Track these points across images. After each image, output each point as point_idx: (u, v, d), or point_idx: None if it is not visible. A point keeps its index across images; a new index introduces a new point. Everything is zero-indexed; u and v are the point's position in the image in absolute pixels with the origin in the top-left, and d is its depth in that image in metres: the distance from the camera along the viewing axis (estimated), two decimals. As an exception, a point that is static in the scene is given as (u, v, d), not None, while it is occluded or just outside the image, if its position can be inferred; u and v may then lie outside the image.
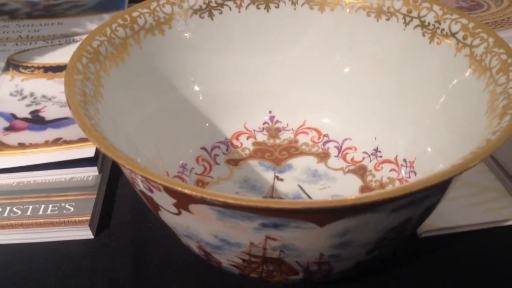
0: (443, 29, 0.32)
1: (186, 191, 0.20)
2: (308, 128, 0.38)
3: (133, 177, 0.24)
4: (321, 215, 0.21)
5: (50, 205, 0.34)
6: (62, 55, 0.48)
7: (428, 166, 0.31)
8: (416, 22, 0.33)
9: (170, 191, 0.22)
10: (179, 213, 0.23)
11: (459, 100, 0.30)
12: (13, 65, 0.47)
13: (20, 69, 0.46)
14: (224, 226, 0.22)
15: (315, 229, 0.21)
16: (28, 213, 0.33)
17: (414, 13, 0.33)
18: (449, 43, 0.31)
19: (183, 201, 0.22)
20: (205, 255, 0.26)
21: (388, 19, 0.34)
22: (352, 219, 0.21)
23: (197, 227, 0.24)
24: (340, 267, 0.25)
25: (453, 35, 0.31)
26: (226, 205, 0.20)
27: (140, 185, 0.24)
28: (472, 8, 0.50)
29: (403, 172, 0.34)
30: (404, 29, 0.34)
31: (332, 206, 0.19)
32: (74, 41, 0.51)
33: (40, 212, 0.33)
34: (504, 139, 0.22)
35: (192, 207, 0.22)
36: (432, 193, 0.22)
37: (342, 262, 0.25)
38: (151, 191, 0.23)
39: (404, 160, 0.34)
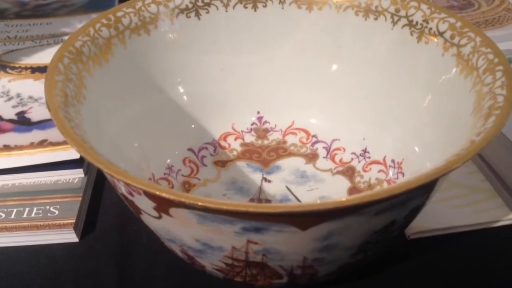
0: (430, 28, 0.31)
1: (164, 195, 0.20)
2: (297, 128, 0.38)
3: (114, 181, 0.24)
4: (302, 218, 0.20)
5: (35, 208, 0.33)
6: (50, 55, 0.47)
7: (416, 167, 0.31)
8: (404, 21, 0.33)
9: (150, 195, 0.21)
10: (159, 217, 0.23)
11: (446, 99, 0.29)
12: (0, 65, 0.46)
13: (8, 69, 0.46)
14: (205, 230, 0.22)
15: (297, 233, 0.21)
16: (12, 216, 0.33)
17: (402, 12, 0.33)
18: (437, 42, 0.31)
19: (163, 205, 0.22)
20: (188, 259, 0.26)
21: (376, 18, 0.34)
22: (334, 222, 0.21)
23: (178, 231, 0.23)
24: (325, 271, 0.25)
25: (441, 34, 0.31)
26: (206, 209, 0.20)
27: (122, 189, 0.24)
28: (463, 7, 0.50)
29: (391, 173, 0.33)
30: (392, 28, 0.33)
31: (312, 210, 0.19)
32: (63, 41, 0.50)
33: (25, 215, 0.33)
34: (488, 141, 0.21)
35: (172, 211, 0.22)
36: (416, 195, 0.22)
37: (326, 265, 0.24)
38: (131, 194, 0.23)
39: (392, 161, 0.34)
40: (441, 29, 0.31)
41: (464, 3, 0.51)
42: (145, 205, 0.23)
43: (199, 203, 0.19)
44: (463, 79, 0.28)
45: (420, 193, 0.22)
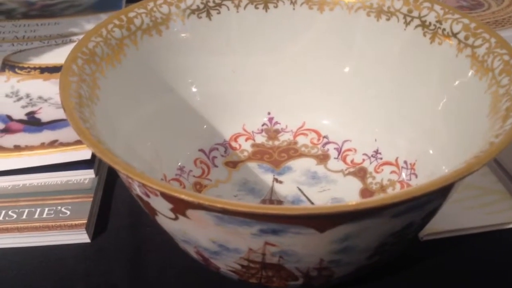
0: (444, 29, 0.31)
1: (183, 197, 0.19)
2: (308, 129, 0.38)
3: (129, 182, 0.24)
4: (321, 220, 0.20)
5: (46, 209, 0.33)
6: (58, 55, 0.48)
7: (430, 168, 0.31)
8: (416, 22, 0.32)
9: (167, 197, 0.21)
10: (176, 218, 0.23)
11: (461, 101, 0.29)
12: (9, 66, 0.46)
13: (16, 70, 0.46)
14: (222, 231, 0.22)
15: (315, 235, 0.21)
16: (24, 216, 0.33)
17: (415, 13, 0.33)
18: (451, 43, 0.31)
19: (180, 207, 0.21)
20: (203, 260, 0.26)
21: (388, 19, 0.34)
22: (352, 224, 0.21)
23: (194, 233, 0.23)
24: (341, 272, 0.25)
25: (455, 35, 0.30)
26: (225, 211, 0.20)
27: (137, 190, 0.24)
28: (473, 7, 0.50)
29: (403, 174, 0.33)
30: (405, 29, 0.33)
31: (332, 212, 0.19)
32: (71, 41, 0.50)
33: (36, 216, 0.33)
34: (507, 142, 0.21)
35: (189, 212, 0.21)
36: (435, 197, 0.22)
37: (343, 267, 0.24)
38: (147, 196, 0.23)
39: (405, 162, 0.34)
40: (455, 30, 0.31)
41: (474, 3, 0.50)
42: (162, 207, 0.23)
43: (218, 205, 0.19)
44: (478, 81, 0.28)
45: (439, 195, 0.22)
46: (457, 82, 0.30)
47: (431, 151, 0.31)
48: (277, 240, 0.21)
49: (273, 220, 0.20)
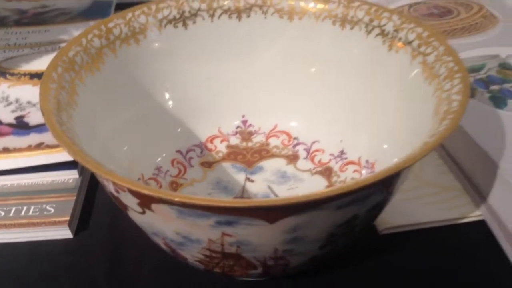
0: (400, 38, 0.33)
1: (145, 191, 0.22)
2: (279, 131, 0.40)
3: (102, 180, 0.26)
4: (269, 212, 0.22)
5: (32, 207, 0.36)
6: (47, 62, 0.49)
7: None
8: (377, 30, 0.35)
9: (133, 192, 0.23)
10: (143, 212, 0.25)
11: (413, 104, 0.32)
12: (0, 72, 0.48)
13: (7, 75, 0.48)
14: (184, 224, 0.24)
15: (266, 226, 0.23)
16: (11, 214, 0.35)
17: (375, 22, 0.35)
18: (406, 51, 0.33)
19: (146, 201, 0.24)
20: (171, 251, 0.28)
21: (352, 28, 0.36)
22: (299, 216, 0.23)
23: (161, 225, 0.26)
24: (296, 262, 0.27)
25: (409, 43, 0.33)
26: (182, 204, 0.22)
27: (110, 187, 0.26)
28: (442, 14, 0.52)
29: (364, 172, 0.36)
30: (367, 37, 0.35)
31: (277, 204, 0.21)
32: (60, 48, 0.52)
33: (22, 213, 0.35)
34: (439, 142, 0.24)
35: (154, 206, 0.24)
36: (374, 191, 0.24)
37: (297, 256, 0.27)
38: (118, 192, 0.25)
39: (367, 161, 0.36)
40: (410, 38, 0.33)
41: (444, 10, 0.53)
42: (130, 202, 0.25)
43: (176, 199, 0.21)
44: (427, 85, 0.31)
45: (377, 189, 0.24)
46: (410, 86, 0.32)
47: (388, 151, 0.34)
48: (233, 231, 0.24)
49: (225, 212, 0.22)
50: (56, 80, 0.29)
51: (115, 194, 0.26)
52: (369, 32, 0.35)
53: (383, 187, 0.25)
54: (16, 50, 0.52)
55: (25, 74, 0.48)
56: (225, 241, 0.25)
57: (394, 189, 0.26)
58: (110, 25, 0.35)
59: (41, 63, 0.50)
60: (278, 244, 0.25)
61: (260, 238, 0.24)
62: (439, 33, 0.32)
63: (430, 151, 0.23)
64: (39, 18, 0.59)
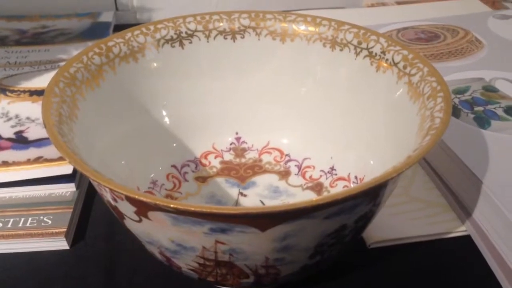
0: (387, 59, 0.35)
1: (142, 198, 0.23)
2: (272, 148, 0.41)
3: (100, 189, 0.27)
4: (260, 220, 0.24)
5: (30, 218, 0.37)
6: (47, 80, 0.50)
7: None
8: (365, 52, 0.37)
9: (130, 199, 0.25)
10: (140, 221, 0.26)
11: (398, 121, 0.33)
12: (0, 89, 0.50)
13: (7, 92, 0.49)
14: (179, 231, 0.25)
15: (257, 234, 0.24)
16: (9, 225, 0.36)
17: (364, 45, 0.37)
18: (392, 72, 0.35)
19: (142, 209, 0.25)
20: (166, 260, 0.29)
21: (341, 50, 0.38)
22: (289, 224, 0.24)
23: (156, 233, 0.27)
24: (287, 271, 0.28)
25: (395, 64, 0.35)
26: (177, 211, 0.23)
27: (107, 196, 0.27)
28: (429, 39, 0.54)
29: (353, 188, 0.37)
30: (355, 59, 0.37)
31: (266, 211, 0.22)
32: (59, 67, 0.54)
33: (20, 225, 0.36)
34: (421, 156, 0.25)
35: (150, 214, 0.25)
36: (360, 202, 0.25)
37: (287, 265, 0.28)
38: (115, 200, 0.26)
39: (356, 177, 0.37)
40: (396, 60, 0.35)
41: (431, 35, 0.55)
42: (127, 210, 0.26)
43: (171, 205, 0.23)
44: (412, 104, 0.32)
45: (364, 200, 0.26)
46: (397, 105, 0.34)
47: (375, 167, 0.35)
48: (226, 239, 0.25)
49: (219, 219, 0.23)
50: (58, 94, 0.30)
51: (113, 203, 0.27)
52: (357, 54, 0.37)
53: (369, 197, 0.26)
54: (17, 68, 0.54)
55: (24, 91, 0.50)
56: (218, 249, 0.26)
57: (380, 201, 0.27)
58: (110, 43, 0.36)
59: (40, 81, 0.51)
60: (269, 253, 0.26)
61: (252, 246, 0.25)
62: (422, 56, 0.34)
63: (413, 164, 0.25)
64: (39, 38, 0.61)
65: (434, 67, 0.33)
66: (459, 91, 0.45)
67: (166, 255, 0.28)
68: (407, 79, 0.33)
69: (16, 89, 0.50)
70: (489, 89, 0.45)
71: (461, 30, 0.56)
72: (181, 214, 0.23)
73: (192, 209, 0.22)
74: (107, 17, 0.64)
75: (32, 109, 0.47)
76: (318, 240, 0.26)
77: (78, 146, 0.29)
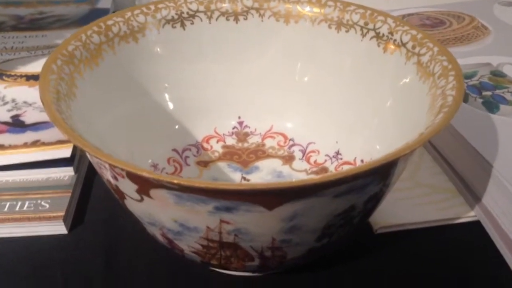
0: (395, 40, 0.34)
1: (145, 174, 0.22)
2: (275, 132, 0.40)
3: (100, 167, 0.26)
4: (267, 198, 0.23)
5: (27, 202, 0.36)
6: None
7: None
8: (372, 33, 0.36)
9: (132, 176, 0.24)
10: (141, 200, 0.25)
11: (406, 102, 0.32)
12: (-3, 73, 0.49)
13: (4, 77, 0.48)
14: (182, 210, 0.24)
15: (264, 213, 0.23)
16: (5, 209, 0.35)
17: (370, 26, 0.36)
18: (400, 52, 0.34)
19: (144, 186, 0.24)
20: (168, 243, 0.28)
21: (347, 31, 0.37)
22: (298, 202, 0.23)
23: (158, 213, 0.26)
24: (293, 253, 0.27)
25: (404, 45, 0.34)
26: (180, 187, 0.22)
27: (107, 174, 0.26)
28: (435, 25, 0.53)
29: (359, 171, 0.36)
30: (362, 40, 0.36)
31: (274, 187, 0.21)
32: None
33: (17, 208, 0.35)
34: (434, 133, 0.24)
35: (152, 192, 0.24)
36: (371, 181, 0.24)
37: (294, 247, 0.27)
38: (116, 179, 0.25)
39: (362, 161, 0.36)
40: (404, 40, 0.34)
41: (436, 21, 0.54)
42: (128, 189, 0.25)
43: (175, 181, 0.22)
44: (422, 84, 0.31)
45: (373, 179, 0.25)
46: (405, 86, 0.33)
47: (381, 151, 0.34)
48: (231, 218, 0.24)
49: (224, 197, 0.22)
50: (55, 71, 0.29)
51: (113, 182, 0.26)
52: (364, 35, 0.36)
53: (379, 176, 0.25)
54: (13, 53, 0.53)
55: (21, 76, 0.49)
56: (223, 229, 0.25)
57: (390, 181, 0.27)
58: (109, 22, 0.35)
59: (37, 66, 0.50)
60: (276, 233, 0.25)
61: (258, 226, 0.24)
62: (432, 36, 0.33)
63: (425, 142, 0.24)
64: (36, 24, 0.60)
65: (444, 46, 0.32)
66: (466, 76, 0.44)
67: (169, 236, 0.27)
68: (416, 59, 0.32)
69: (13, 73, 0.49)
70: (497, 74, 0.44)
71: (467, 16, 0.55)
72: (185, 191, 0.22)
73: (197, 185, 0.21)
74: (106, 3, 0.63)
75: (29, 93, 0.46)
76: (327, 220, 0.25)
77: (76, 124, 0.28)
